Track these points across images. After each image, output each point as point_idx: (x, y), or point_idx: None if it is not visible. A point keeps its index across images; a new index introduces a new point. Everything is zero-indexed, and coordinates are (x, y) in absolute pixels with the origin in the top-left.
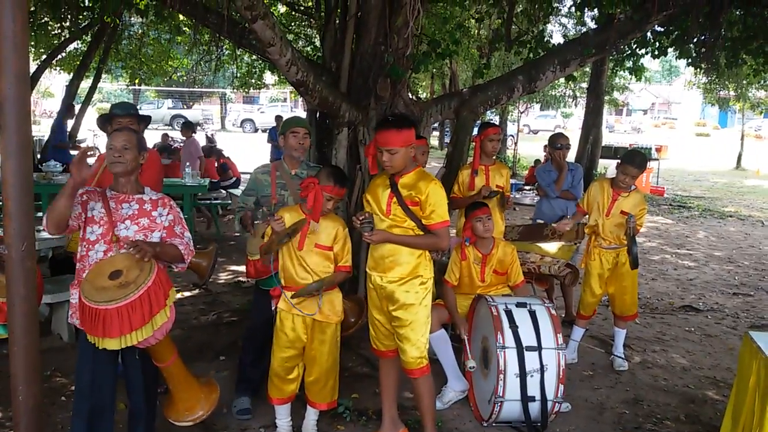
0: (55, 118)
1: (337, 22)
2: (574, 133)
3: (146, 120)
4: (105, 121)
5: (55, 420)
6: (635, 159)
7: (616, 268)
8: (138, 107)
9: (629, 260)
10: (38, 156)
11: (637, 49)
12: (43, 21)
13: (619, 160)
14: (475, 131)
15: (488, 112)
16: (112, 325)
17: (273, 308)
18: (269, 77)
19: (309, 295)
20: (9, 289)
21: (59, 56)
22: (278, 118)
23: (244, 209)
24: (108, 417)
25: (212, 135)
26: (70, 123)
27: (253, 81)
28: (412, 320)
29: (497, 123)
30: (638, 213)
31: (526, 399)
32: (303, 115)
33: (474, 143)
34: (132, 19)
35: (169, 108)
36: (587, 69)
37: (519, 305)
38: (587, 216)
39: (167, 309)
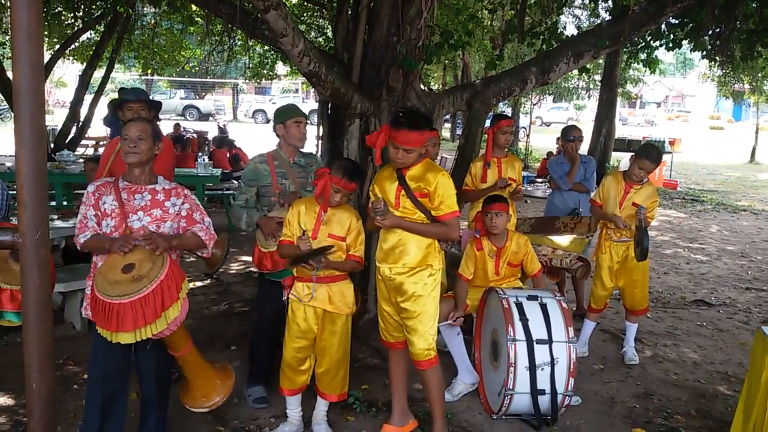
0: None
1: (350, 12)
2: (587, 126)
3: (157, 106)
4: (116, 107)
5: (67, 408)
6: (651, 153)
7: (626, 262)
8: (150, 97)
9: (638, 252)
10: (52, 145)
11: (652, 41)
12: (56, 11)
13: (633, 153)
14: (488, 123)
15: (501, 103)
16: (126, 319)
17: (284, 298)
18: (281, 68)
19: (305, 263)
20: (23, 278)
21: (72, 46)
22: None
23: (247, 206)
24: (120, 406)
25: (224, 125)
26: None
27: (265, 72)
28: (420, 312)
29: (510, 115)
30: (650, 205)
31: (536, 392)
32: (314, 106)
33: (486, 135)
34: (145, 9)
35: (181, 98)
36: (601, 61)
37: (530, 298)
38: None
39: (180, 302)
